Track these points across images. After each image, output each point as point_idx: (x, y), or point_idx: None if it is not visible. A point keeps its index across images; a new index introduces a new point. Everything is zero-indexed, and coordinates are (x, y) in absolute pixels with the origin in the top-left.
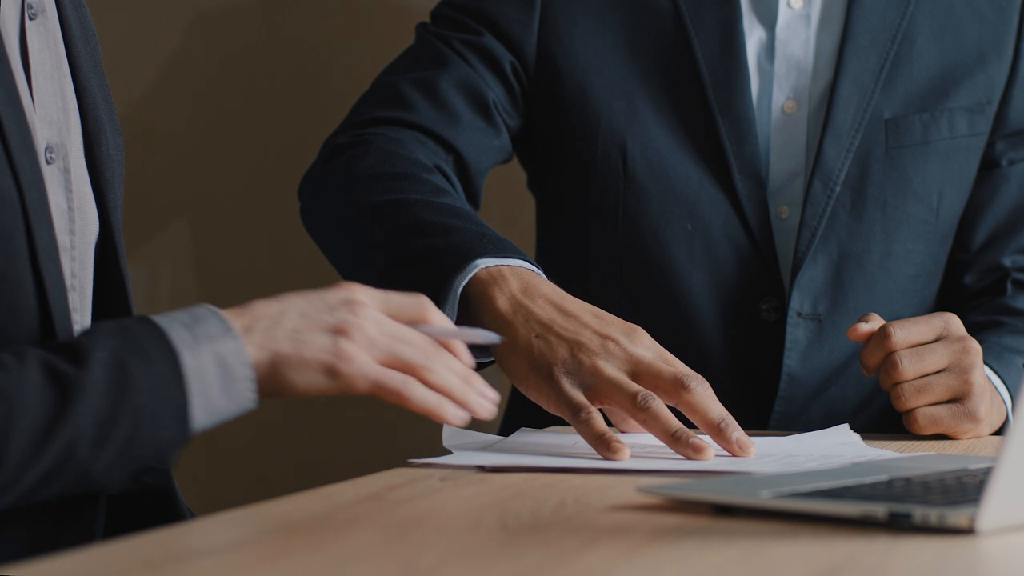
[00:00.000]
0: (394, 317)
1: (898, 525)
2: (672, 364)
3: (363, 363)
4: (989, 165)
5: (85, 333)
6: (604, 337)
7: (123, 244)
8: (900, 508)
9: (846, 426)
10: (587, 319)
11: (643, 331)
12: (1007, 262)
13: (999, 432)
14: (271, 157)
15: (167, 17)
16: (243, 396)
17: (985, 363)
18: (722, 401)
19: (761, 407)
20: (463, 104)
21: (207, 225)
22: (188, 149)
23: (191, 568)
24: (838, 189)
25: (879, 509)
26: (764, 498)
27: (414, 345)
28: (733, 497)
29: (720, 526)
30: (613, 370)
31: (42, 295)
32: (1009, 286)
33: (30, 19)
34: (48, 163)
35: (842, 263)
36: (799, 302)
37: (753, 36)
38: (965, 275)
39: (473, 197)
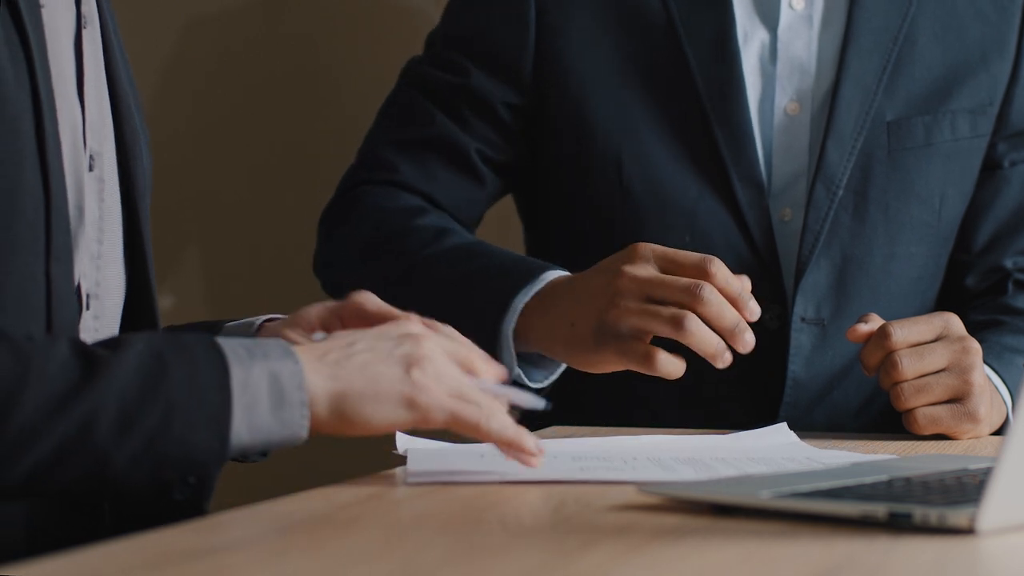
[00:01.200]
0: (449, 356)
1: (898, 525)
2: (675, 279)
3: (438, 394)
4: (991, 166)
5: (136, 334)
6: (610, 281)
7: (152, 255)
8: (900, 508)
9: (784, 425)
10: (596, 282)
11: (640, 245)
12: (1008, 264)
13: (999, 432)
14: (271, 157)
15: (166, 18)
16: (294, 421)
17: (985, 362)
18: (728, 408)
19: (766, 414)
20: (442, 163)
21: (209, 225)
22: (188, 150)
23: (191, 568)
24: (841, 192)
25: (879, 509)
26: (764, 498)
27: (474, 387)
28: (733, 497)
29: (720, 526)
30: (634, 317)
31: (48, 298)
32: (1010, 286)
33: (84, 27)
34: (90, 170)
35: (845, 267)
36: (803, 307)
37: (755, 38)
38: (967, 277)
39: None
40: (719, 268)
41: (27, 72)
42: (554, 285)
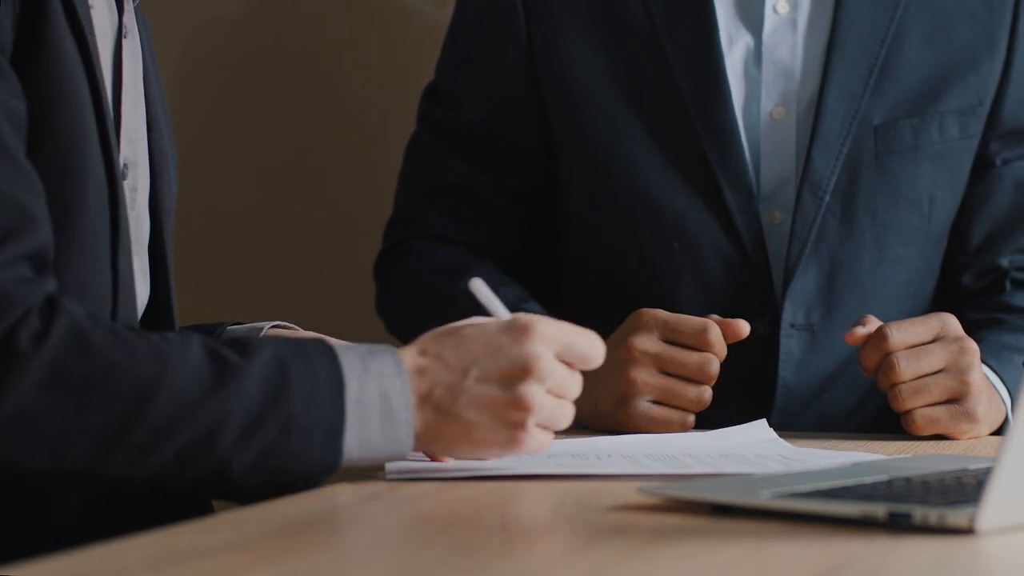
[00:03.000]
0: (569, 362)
1: (898, 525)
2: (686, 357)
3: (532, 448)
4: (984, 165)
5: (266, 339)
6: (621, 356)
7: (172, 273)
8: (900, 508)
9: (763, 422)
10: (608, 359)
11: (643, 314)
12: (1005, 262)
13: (999, 432)
14: (276, 161)
15: (170, 25)
16: (400, 440)
17: (984, 362)
18: (719, 414)
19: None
20: (467, 207)
21: (213, 231)
22: (192, 155)
23: (191, 568)
24: (828, 198)
25: (879, 509)
26: (764, 498)
27: (568, 416)
28: (733, 497)
29: (720, 526)
30: (656, 392)
31: (115, 289)
32: (1007, 284)
33: (124, 37)
34: (123, 178)
35: (833, 272)
36: (792, 313)
37: (740, 43)
38: (963, 276)
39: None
40: (716, 337)
41: (84, 68)
42: None
